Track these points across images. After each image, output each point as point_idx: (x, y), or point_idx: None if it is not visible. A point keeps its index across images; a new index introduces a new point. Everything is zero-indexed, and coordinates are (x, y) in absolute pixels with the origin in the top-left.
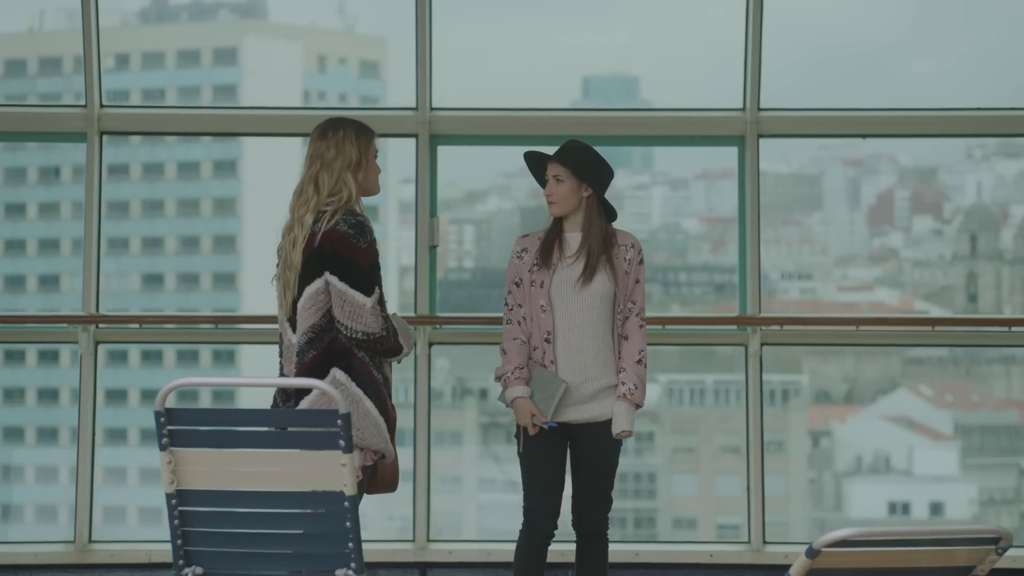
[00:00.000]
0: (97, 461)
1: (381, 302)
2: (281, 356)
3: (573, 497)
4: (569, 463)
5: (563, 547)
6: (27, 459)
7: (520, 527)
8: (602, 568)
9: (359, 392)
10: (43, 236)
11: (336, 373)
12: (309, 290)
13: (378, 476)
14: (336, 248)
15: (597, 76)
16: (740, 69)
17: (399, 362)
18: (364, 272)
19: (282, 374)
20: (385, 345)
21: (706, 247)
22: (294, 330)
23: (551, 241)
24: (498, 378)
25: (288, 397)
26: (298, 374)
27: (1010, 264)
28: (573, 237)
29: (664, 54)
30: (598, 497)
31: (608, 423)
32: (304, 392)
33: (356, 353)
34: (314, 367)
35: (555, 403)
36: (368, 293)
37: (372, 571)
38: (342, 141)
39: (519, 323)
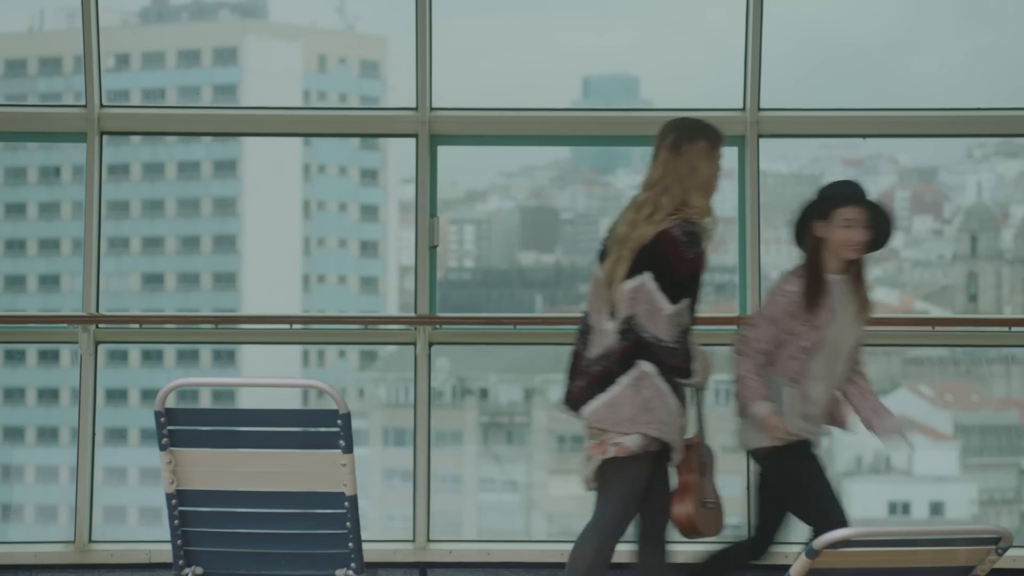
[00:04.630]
0: (97, 461)
1: (685, 315)
2: (584, 335)
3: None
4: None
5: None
6: (27, 459)
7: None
8: None
9: (666, 386)
10: (43, 236)
11: (643, 364)
12: (630, 284)
13: (702, 518)
14: (664, 251)
15: (597, 76)
16: (740, 69)
17: (692, 389)
18: (680, 280)
19: (580, 355)
20: (675, 359)
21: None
22: (612, 317)
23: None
24: None
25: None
26: (613, 360)
27: (1010, 264)
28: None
29: (664, 54)
30: None
31: (754, 451)
32: (607, 383)
33: (659, 354)
34: (624, 356)
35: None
36: (673, 301)
37: (372, 571)
38: (695, 157)
39: None
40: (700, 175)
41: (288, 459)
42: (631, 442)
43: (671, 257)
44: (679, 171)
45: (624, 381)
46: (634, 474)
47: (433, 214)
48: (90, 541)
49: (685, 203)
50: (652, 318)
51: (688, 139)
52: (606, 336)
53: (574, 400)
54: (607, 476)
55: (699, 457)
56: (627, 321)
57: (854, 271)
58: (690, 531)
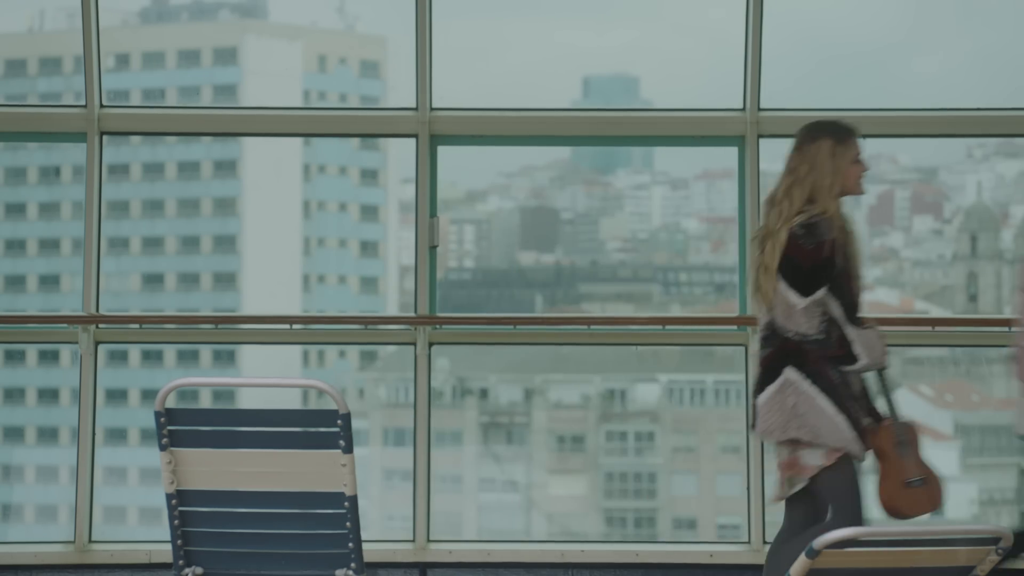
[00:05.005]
0: (97, 461)
1: (828, 303)
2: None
3: None
4: None
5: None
6: (27, 459)
7: None
8: None
9: (812, 389)
10: (43, 236)
11: (788, 372)
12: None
13: (906, 499)
14: (786, 251)
15: (597, 76)
16: (740, 69)
17: (873, 374)
18: (803, 272)
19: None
20: (828, 349)
21: (706, 247)
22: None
23: None
24: None
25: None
26: (758, 370)
27: (1010, 264)
28: None
29: (664, 54)
30: None
31: None
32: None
33: (809, 352)
34: (769, 365)
35: None
36: (804, 294)
37: (372, 571)
38: (815, 155)
39: None
40: (821, 173)
41: (288, 459)
42: (810, 460)
43: (790, 252)
44: (799, 172)
45: (770, 390)
46: (841, 481)
47: (433, 214)
48: (90, 541)
49: (811, 202)
50: (789, 316)
51: (810, 138)
52: (755, 355)
53: (753, 421)
54: (818, 487)
55: (893, 436)
56: (767, 326)
57: None
58: (895, 514)
